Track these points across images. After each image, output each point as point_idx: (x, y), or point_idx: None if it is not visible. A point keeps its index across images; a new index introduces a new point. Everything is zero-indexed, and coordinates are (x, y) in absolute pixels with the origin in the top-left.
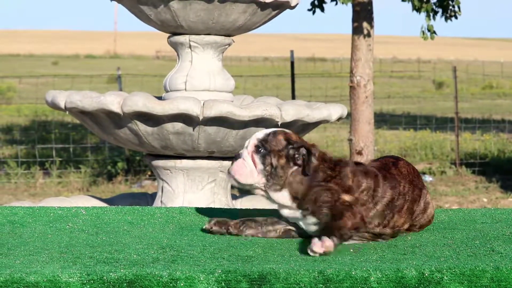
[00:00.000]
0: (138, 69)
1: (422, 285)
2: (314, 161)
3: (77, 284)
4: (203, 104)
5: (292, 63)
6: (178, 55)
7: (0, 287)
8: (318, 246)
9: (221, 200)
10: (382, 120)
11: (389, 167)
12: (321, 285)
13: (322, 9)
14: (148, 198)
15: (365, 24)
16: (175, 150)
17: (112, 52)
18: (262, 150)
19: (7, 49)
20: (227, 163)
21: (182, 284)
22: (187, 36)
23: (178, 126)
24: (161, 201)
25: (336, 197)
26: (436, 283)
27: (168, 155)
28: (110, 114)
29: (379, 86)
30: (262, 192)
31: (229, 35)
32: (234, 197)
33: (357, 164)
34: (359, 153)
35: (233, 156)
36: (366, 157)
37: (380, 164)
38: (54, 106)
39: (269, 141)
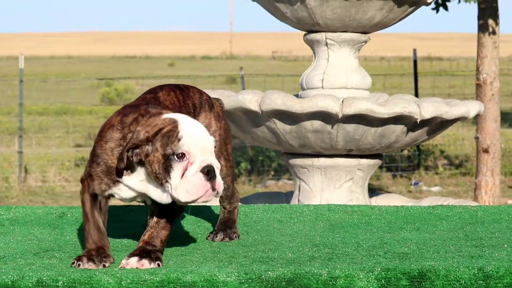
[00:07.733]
0: (256, 70)
1: None
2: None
3: (235, 284)
4: (342, 102)
5: (415, 62)
6: (314, 53)
7: (157, 287)
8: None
9: (359, 198)
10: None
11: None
12: (481, 282)
13: (446, 8)
14: (283, 197)
15: (490, 22)
16: (313, 148)
17: (228, 52)
18: None
19: (124, 50)
20: (365, 161)
21: (341, 282)
22: (324, 33)
23: (317, 124)
24: (298, 200)
25: None
26: None
27: (306, 154)
28: (248, 113)
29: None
30: None
31: (365, 32)
32: (371, 194)
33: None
34: (486, 150)
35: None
36: (493, 155)
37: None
38: None
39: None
